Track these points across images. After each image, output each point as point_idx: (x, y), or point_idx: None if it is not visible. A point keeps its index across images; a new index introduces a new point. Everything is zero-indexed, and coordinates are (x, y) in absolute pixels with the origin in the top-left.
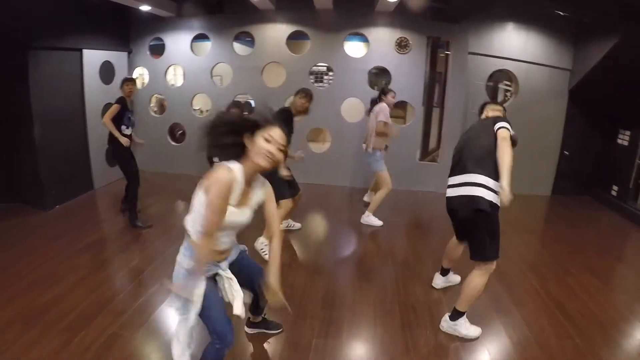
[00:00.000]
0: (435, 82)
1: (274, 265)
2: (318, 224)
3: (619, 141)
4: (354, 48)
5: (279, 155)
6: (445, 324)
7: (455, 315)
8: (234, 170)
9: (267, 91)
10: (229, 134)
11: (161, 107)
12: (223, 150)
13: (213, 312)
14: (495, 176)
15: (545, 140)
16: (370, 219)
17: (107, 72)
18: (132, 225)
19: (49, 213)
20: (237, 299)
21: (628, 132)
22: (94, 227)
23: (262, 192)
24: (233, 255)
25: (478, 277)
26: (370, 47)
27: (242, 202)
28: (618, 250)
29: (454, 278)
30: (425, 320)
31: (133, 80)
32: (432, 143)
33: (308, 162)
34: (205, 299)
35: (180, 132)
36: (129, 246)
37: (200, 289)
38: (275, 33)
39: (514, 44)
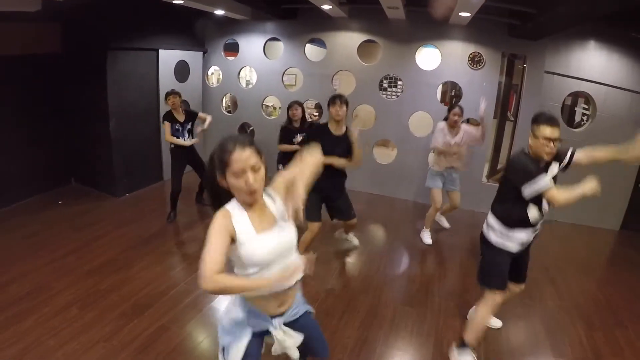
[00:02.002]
0: (512, 92)
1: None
2: (373, 238)
3: None
4: (428, 54)
5: (253, 179)
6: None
7: (461, 344)
8: (228, 208)
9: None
10: (210, 186)
11: (234, 105)
12: (215, 202)
13: None
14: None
15: (619, 170)
16: (423, 235)
17: (182, 70)
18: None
19: (120, 200)
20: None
21: None
22: (160, 218)
23: (276, 198)
24: (293, 311)
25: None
26: (442, 61)
27: (263, 227)
28: None
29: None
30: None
31: (175, 93)
32: (503, 158)
33: (372, 173)
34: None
35: (251, 128)
36: (189, 241)
37: (239, 346)
38: (346, 41)
39: (594, 64)
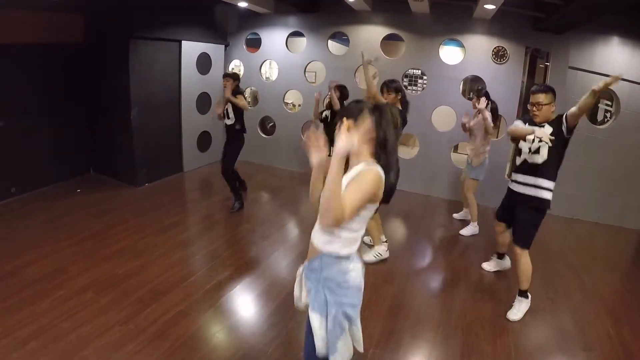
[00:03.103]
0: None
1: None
2: (396, 232)
3: None
4: (450, 53)
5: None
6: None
7: (521, 294)
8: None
9: (359, 92)
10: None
11: (255, 100)
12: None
13: None
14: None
15: None
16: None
17: (204, 63)
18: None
19: (139, 189)
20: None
21: None
22: (179, 207)
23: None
24: (310, 270)
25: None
26: (465, 55)
27: None
28: None
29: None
30: (487, 349)
31: (226, 76)
32: None
33: None
34: None
35: (271, 124)
36: (209, 230)
37: None
38: (370, 34)
39: (618, 60)
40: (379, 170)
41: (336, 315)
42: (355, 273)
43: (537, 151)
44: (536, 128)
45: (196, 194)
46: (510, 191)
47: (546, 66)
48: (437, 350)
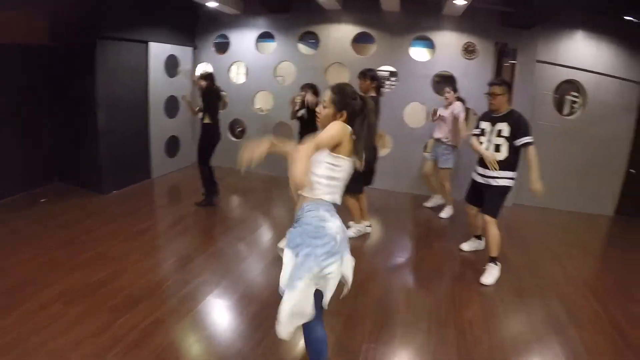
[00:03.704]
0: None
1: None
2: (374, 229)
3: None
4: (417, 54)
5: (320, 112)
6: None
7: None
8: None
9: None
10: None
11: (223, 104)
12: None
13: None
14: None
15: (610, 157)
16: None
17: (172, 65)
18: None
19: (106, 197)
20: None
21: None
22: (149, 214)
23: None
24: (298, 215)
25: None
26: (436, 51)
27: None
28: None
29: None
30: (482, 336)
31: (200, 76)
32: None
33: None
34: None
35: (240, 129)
36: (181, 235)
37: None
38: (340, 34)
39: (584, 53)
40: (344, 124)
41: (308, 254)
42: (332, 224)
43: (498, 149)
44: (488, 154)
45: (166, 199)
46: (476, 182)
47: (512, 64)
48: (433, 339)
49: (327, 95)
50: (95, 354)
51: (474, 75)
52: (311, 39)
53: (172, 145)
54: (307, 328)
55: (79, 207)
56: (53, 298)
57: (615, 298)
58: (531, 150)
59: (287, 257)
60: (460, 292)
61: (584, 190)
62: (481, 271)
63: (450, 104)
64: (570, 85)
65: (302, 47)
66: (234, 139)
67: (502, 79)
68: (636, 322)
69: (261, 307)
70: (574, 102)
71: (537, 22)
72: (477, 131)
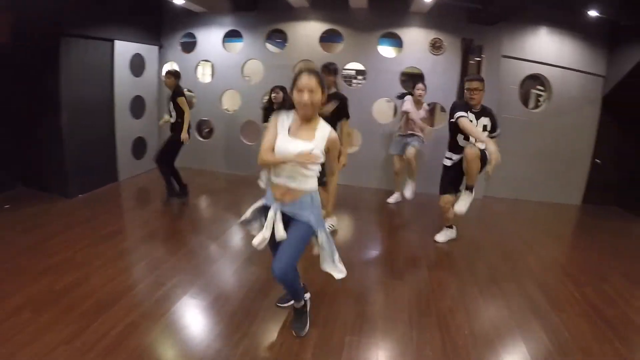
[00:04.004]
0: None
1: (331, 195)
2: (347, 225)
3: None
4: (384, 52)
5: (307, 97)
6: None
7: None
8: (282, 112)
9: None
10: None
11: (189, 103)
12: (285, 107)
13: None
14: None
15: (576, 148)
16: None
17: (138, 64)
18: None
19: (72, 201)
20: (264, 233)
21: None
22: (117, 217)
23: (325, 135)
24: (293, 209)
25: None
26: (404, 47)
27: (297, 135)
28: None
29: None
30: (464, 323)
31: (167, 74)
32: None
33: None
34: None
35: (207, 130)
36: (151, 238)
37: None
38: (308, 31)
39: (548, 48)
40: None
41: (327, 232)
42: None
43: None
44: (489, 142)
45: (134, 202)
46: (448, 168)
47: (477, 61)
48: (415, 328)
49: (312, 82)
50: None
51: (441, 71)
52: (278, 38)
53: (139, 147)
54: (297, 276)
55: (43, 212)
56: (20, 306)
57: (589, 280)
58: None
59: (324, 238)
60: (437, 281)
61: (551, 181)
62: (455, 260)
63: (420, 101)
64: (536, 79)
65: (269, 46)
66: (201, 139)
67: (480, 75)
68: (611, 301)
69: (238, 306)
70: (540, 95)
71: (501, 19)
72: (465, 115)
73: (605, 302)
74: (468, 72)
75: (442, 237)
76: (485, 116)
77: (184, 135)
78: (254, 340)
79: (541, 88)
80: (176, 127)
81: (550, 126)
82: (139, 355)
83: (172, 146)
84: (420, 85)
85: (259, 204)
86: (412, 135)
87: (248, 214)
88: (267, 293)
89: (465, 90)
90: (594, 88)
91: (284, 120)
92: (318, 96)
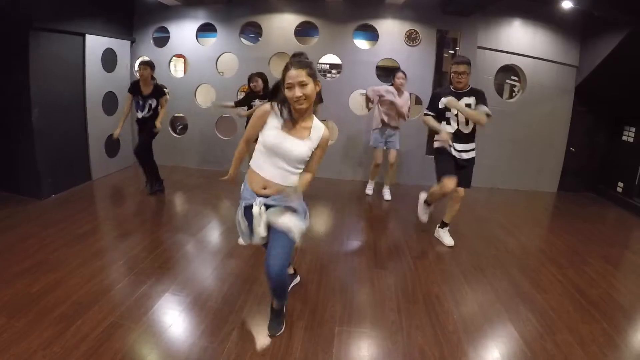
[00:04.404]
0: (442, 81)
1: (304, 179)
2: (328, 217)
3: (624, 138)
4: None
5: (299, 92)
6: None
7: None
8: (274, 105)
9: (274, 81)
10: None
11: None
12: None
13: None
14: None
15: (551, 137)
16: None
17: (109, 59)
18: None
19: (44, 202)
20: (260, 233)
21: (633, 129)
22: (91, 217)
23: (319, 135)
24: (276, 201)
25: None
26: (379, 39)
27: (288, 131)
28: (627, 241)
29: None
30: (452, 309)
31: (146, 64)
32: None
33: None
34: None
35: (180, 126)
36: (127, 236)
37: (239, 214)
38: (283, 23)
39: (522, 39)
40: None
41: (306, 215)
42: None
43: (467, 123)
44: (442, 131)
45: (108, 202)
46: (456, 158)
47: (451, 54)
48: (404, 316)
49: (302, 74)
50: None
51: (416, 62)
52: (251, 32)
53: (112, 145)
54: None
55: (15, 214)
56: None
57: (570, 264)
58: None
59: (302, 223)
60: (422, 269)
61: (528, 170)
62: (438, 247)
63: (401, 89)
64: (509, 70)
65: (243, 40)
66: (175, 135)
67: (467, 57)
68: (592, 282)
69: (222, 302)
70: (514, 86)
71: (475, 10)
72: (429, 111)
73: (587, 284)
74: (443, 64)
75: (446, 237)
76: (471, 95)
77: (158, 123)
78: (240, 335)
79: (515, 78)
80: (152, 119)
81: (525, 116)
82: (122, 357)
83: (151, 136)
84: (400, 74)
85: (240, 211)
86: (393, 128)
87: (242, 227)
88: (250, 288)
89: (451, 74)
90: (567, 78)
91: (275, 115)
92: (311, 88)
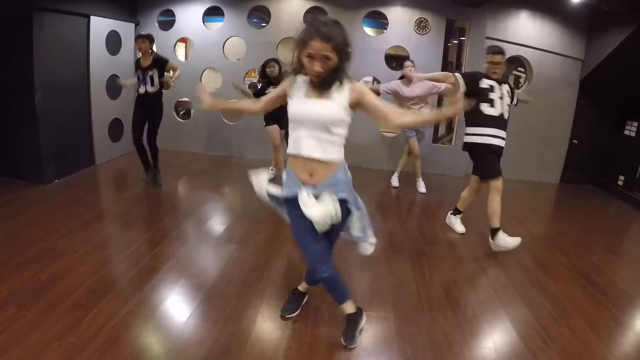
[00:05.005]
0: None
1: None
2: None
3: (626, 132)
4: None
5: (320, 67)
6: (492, 242)
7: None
8: (297, 77)
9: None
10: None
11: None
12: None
13: (299, 237)
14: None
15: (555, 129)
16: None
17: (114, 42)
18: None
19: (48, 187)
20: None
21: (635, 124)
22: (97, 202)
23: (347, 88)
24: (327, 188)
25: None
26: (389, 26)
27: (314, 95)
28: (628, 233)
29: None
30: (469, 293)
31: (144, 37)
32: (441, 129)
33: None
34: (292, 222)
35: (183, 111)
36: (136, 222)
37: (264, 187)
38: (292, 8)
39: (529, 31)
40: None
41: (361, 204)
42: None
43: (508, 109)
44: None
45: (113, 187)
46: (496, 147)
47: (455, 44)
48: (424, 300)
49: (327, 48)
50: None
51: (425, 50)
52: (255, 17)
53: (116, 129)
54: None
55: (18, 200)
56: (3, 301)
57: (577, 253)
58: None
59: (357, 213)
60: (438, 255)
61: (531, 160)
62: (451, 235)
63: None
64: (515, 61)
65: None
66: (180, 119)
67: (501, 47)
68: (598, 270)
69: (242, 289)
70: (519, 77)
71: (485, 1)
72: (463, 83)
73: (594, 272)
74: (449, 53)
75: (458, 224)
76: (506, 83)
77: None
78: (263, 320)
79: (521, 70)
80: (156, 98)
81: (529, 107)
82: (144, 347)
83: (158, 123)
84: (408, 63)
85: (274, 190)
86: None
87: (270, 189)
88: (269, 273)
89: (486, 64)
90: (572, 71)
91: (299, 84)
92: (334, 63)
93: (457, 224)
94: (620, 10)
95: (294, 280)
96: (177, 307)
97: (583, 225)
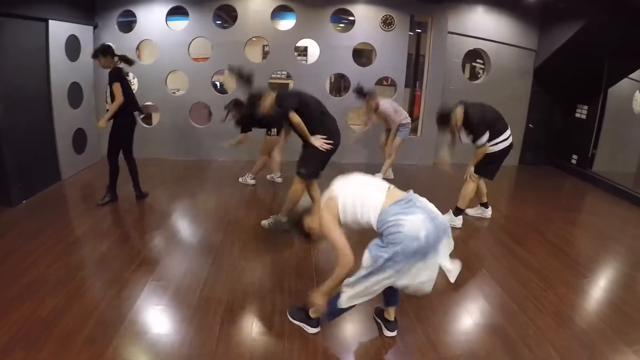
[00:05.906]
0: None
1: None
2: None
3: (577, 115)
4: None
5: None
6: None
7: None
8: None
9: (249, 67)
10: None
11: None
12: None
13: None
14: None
15: (512, 115)
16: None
17: (73, 47)
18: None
19: (16, 209)
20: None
21: (585, 107)
22: (75, 222)
23: None
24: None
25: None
26: (356, 23)
27: None
28: (584, 206)
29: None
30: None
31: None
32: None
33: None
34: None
35: (142, 116)
36: (126, 239)
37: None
38: (259, 7)
39: (487, 24)
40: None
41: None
42: None
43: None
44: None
45: (86, 203)
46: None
47: (416, 34)
48: (447, 301)
49: None
50: None
51: (392, 47)
52: (218, 19)
53: (80, 140)
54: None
55: None
56: (6, 345)
57: (547, 227)
58: None
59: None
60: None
61: None
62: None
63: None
64: (476, 52)
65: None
66: (145, 125)
67: None
68: (569, 242)
69: (256, 290)
70: (480, 68)
71: None
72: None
73: (565, 244)
74: (420, 48)
75: (473, 211)
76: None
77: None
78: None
79: (480, 62)
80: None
81: (489, 96)
82: None
83: (112, 136)
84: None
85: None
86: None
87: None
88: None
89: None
90: (527, 61)
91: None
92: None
93: (457, 221)
94: (574, 5)
95: (288, 286)
96: (203, 326)
97: (546, 202)
